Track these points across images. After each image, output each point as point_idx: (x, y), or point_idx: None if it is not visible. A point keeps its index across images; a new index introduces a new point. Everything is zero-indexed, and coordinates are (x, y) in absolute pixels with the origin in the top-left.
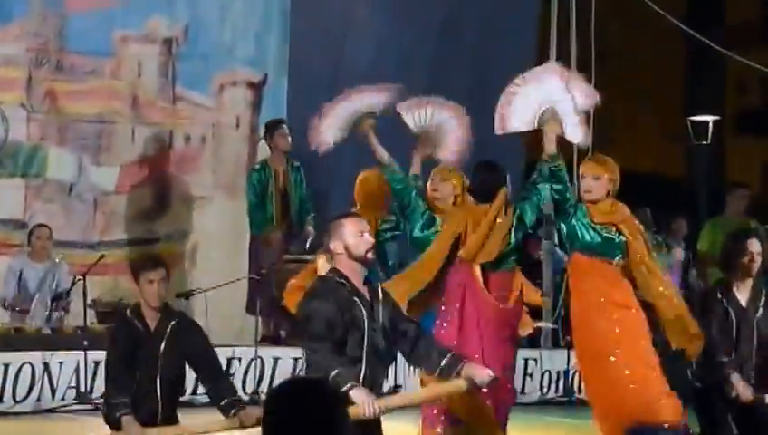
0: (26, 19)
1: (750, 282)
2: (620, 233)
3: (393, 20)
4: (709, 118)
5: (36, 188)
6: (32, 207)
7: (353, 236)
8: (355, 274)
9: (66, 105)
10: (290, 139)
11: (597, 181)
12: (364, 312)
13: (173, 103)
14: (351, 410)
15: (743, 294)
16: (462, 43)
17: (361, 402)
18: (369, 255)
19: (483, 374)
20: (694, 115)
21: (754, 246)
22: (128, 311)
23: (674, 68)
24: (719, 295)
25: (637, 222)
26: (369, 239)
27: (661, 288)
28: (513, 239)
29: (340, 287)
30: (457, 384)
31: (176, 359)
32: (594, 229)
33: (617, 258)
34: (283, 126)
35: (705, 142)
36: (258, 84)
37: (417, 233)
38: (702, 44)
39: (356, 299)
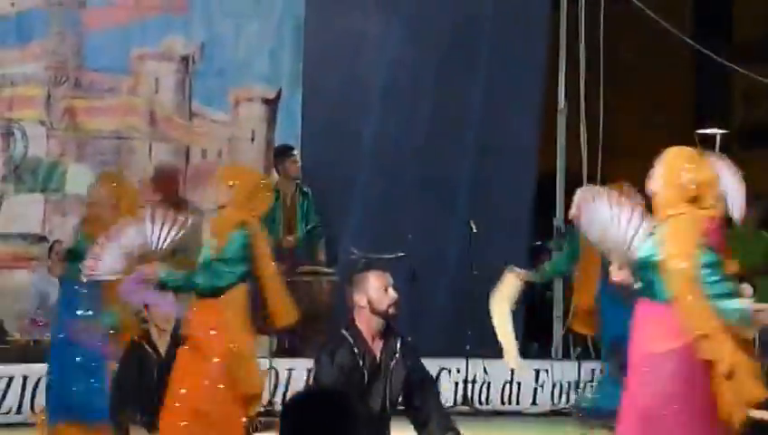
0: (45, 38)
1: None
2: None
3: (405, 37)
4: (717, 131)
5: (55, 202)
6: (51, 221)
7: (377, 290)
8: (371, 329)
9: (85, 122)
10: (299, 165)
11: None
12: (366, 376)
13: (189, 119)
14: None
15: None
16: (473, 60)
17: None
18: (392, 310)
19: None
20: (702, 128)
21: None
22: (138, 336)
23: (682, 82)
24: None
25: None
26: (392, 295)
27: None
28: None
29: (348, 351)
30: None
31: None
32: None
33: None
34: (294, 153)
35: None
36: (273, 100)
37: None
38: (709, 59)
39: (360, 362)
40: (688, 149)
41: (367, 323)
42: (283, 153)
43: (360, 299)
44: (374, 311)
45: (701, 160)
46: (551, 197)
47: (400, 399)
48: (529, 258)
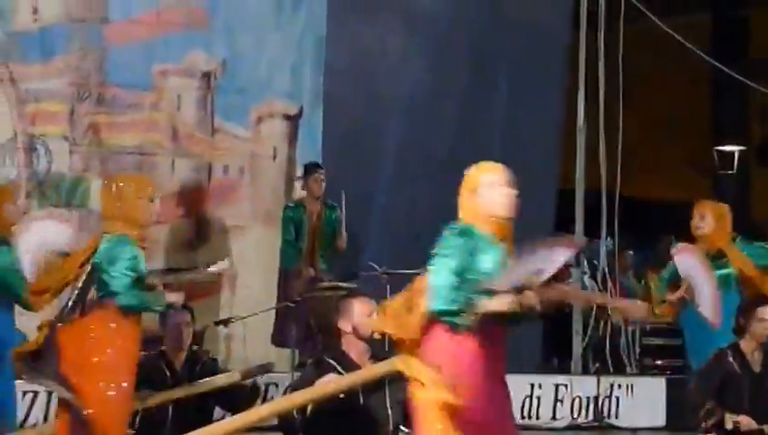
0: (68, 54)
1: (760, 347)
2: None
3: (426, 54)
4: (734, 148)
5: (79, 217)
6: (75, 236)
7: (361, 317)
8: (359, 353)
9: (108, 137)
10: (324, 184)
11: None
12: (361, 396)
13: (212, 135)
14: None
15: (754, 359)
16: (493, 77)
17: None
18: (376, 335)
19: None
20: (719, 145)
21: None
22: (159, 352)
23: (700, 99)
24: (730, 358)
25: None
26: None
27: None
28: None
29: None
30: (391, 362)
31: (203, 401)
32: None
33: None
34: (318, 171)
35: (730, 171)
36: (294, 116)
37: None
38: (727, 76)
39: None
40: None
41: (355, 348)
42: (308, 171)
43: (345, 325)
44: (359, 336)
45: None
46: (569, 212)
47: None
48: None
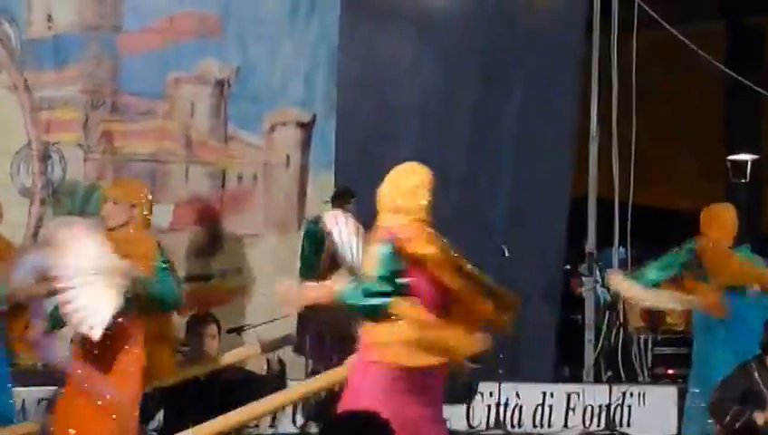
0: (82, 62)
1: None
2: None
3: (439, 64)
4: (747, 156)
5: (93, 225)
6: None
7: None
8: None
9: (121, 145)
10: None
11: (115, 206)
12: None
13: (225, 143)
14: None
15: None
16: (505, 87)
17: None
18: None
19: None
20: (733, 154)
21: None
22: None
23: (713, 108)
24: (755, 372)
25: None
26: None
27: None
28: None
29: None
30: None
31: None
32: None
33: None
34: (350, 201)
35: (743, 181)
36: (307, 124)
37: None
38: (741, 85)
39: None
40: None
41: None
42: (338, 197)
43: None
44: None
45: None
46: (582, 221)
47: None
48: (562, 283)
